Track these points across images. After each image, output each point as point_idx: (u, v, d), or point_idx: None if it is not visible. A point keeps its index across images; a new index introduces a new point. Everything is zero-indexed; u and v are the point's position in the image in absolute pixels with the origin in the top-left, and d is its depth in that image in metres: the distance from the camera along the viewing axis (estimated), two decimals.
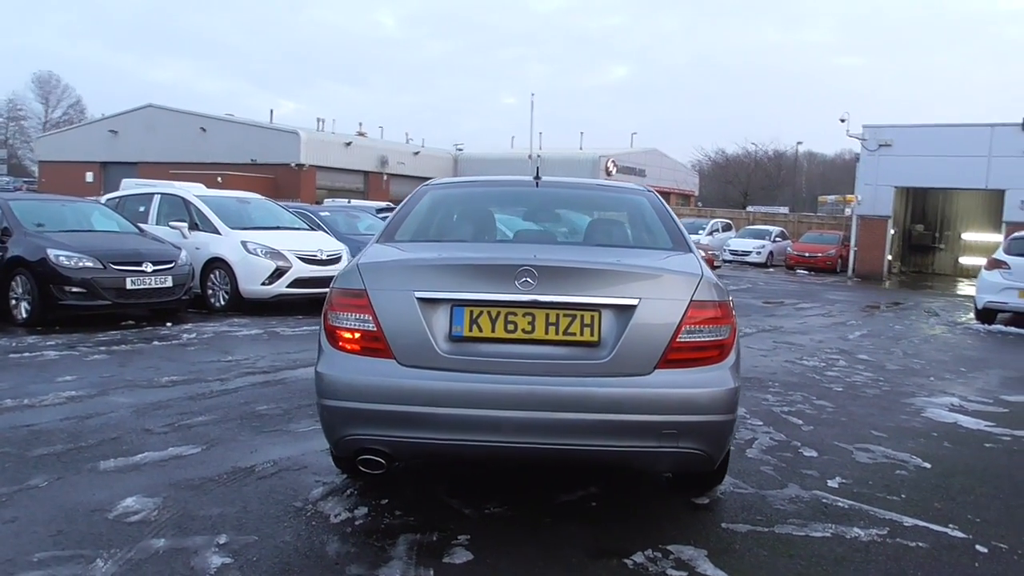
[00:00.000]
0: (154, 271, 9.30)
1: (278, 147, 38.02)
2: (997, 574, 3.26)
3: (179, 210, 11.48)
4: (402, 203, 4.26)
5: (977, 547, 3.51)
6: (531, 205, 4.45)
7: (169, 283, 9.44)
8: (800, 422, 5.63)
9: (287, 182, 36.67)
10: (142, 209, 11.83)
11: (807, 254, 26.95)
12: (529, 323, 3.20)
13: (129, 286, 9.07)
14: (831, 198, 54.06)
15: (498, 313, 3.21)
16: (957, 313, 15.17)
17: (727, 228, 33.67)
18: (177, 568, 3.04)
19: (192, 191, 12.25)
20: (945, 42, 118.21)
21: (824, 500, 4.04)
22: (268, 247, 10.78)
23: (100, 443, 4.58)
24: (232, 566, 3.07)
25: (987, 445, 5.29)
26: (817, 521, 3.74)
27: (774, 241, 29.89)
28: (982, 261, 26.57)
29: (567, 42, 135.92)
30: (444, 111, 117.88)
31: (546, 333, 3.19)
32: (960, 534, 3.65)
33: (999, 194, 23.52)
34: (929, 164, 23.63)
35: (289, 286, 10.75)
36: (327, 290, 11.17)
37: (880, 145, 24.33)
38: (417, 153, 45.35)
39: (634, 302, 3.20)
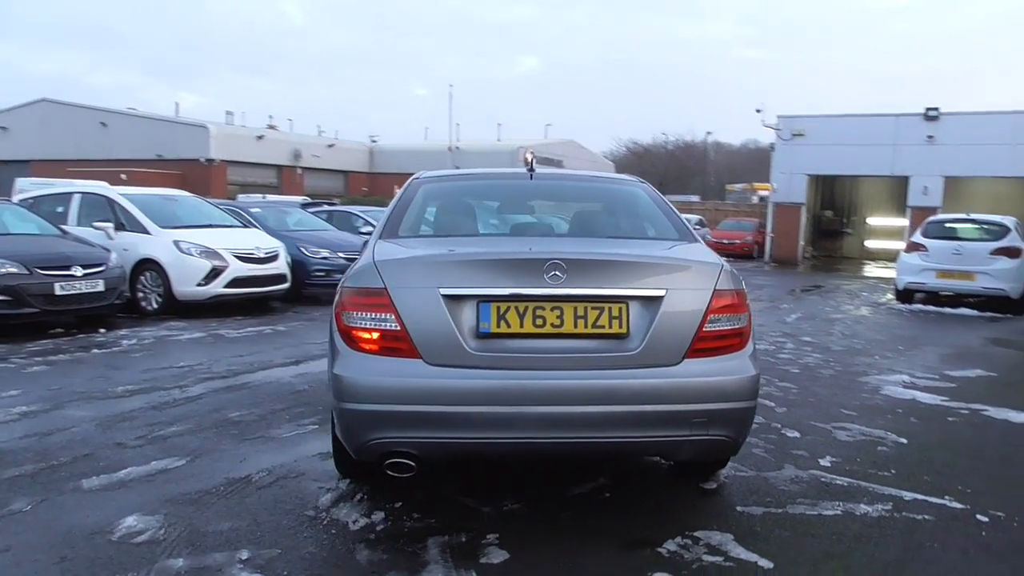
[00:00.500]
0: (84, 275, 8.79)
1: (186, 142, 36.58)
2: (1005, 541, 3.43)
3: (102, 210, 10.89)
4: (397, 198, 4.14)
5: (978, 516, 3.68)
6: (532, 198, 4.41)
7: (101, 287, 8.95)
8: (772, 404, 5.78)
9: (196, 178, 35.29)
10: (60, 210, 11.16)
11: (726, 241, 27.73)
12: (557, 317, 3.16)
13: (58, 292, 8.54)
14: (738, 186, 55.81)
15: (526, 308, 3.16)
16: (876, 294, 15.89)
17: None
18: None
19: (115, 189, 11.65)
20: (838, 36, 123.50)
21: (823, 479, 4.15)
22: (203, 246, 10.36)
23: (73, 460, 4.30)
24: None
25: (950, 419, 5.56)
26: (824, 499, 3.85)
27: (695, 229, 30.63)
28: (887, 245, 28.20)
29: (476, 33, 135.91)
30: (353, 103, 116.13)
31: (575, 327, 3.17)
32: (958, 505, 3.82)
33: (904, 180, 24.75)
34: (839, 152, 24.67)
35: (227, 286, 10.36)
36: (266, 289, 10.82)
37: (794, 135, 25.26)
38: (331, 146, 44.44)
39: (661, 293, 3.21)
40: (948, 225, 13.67)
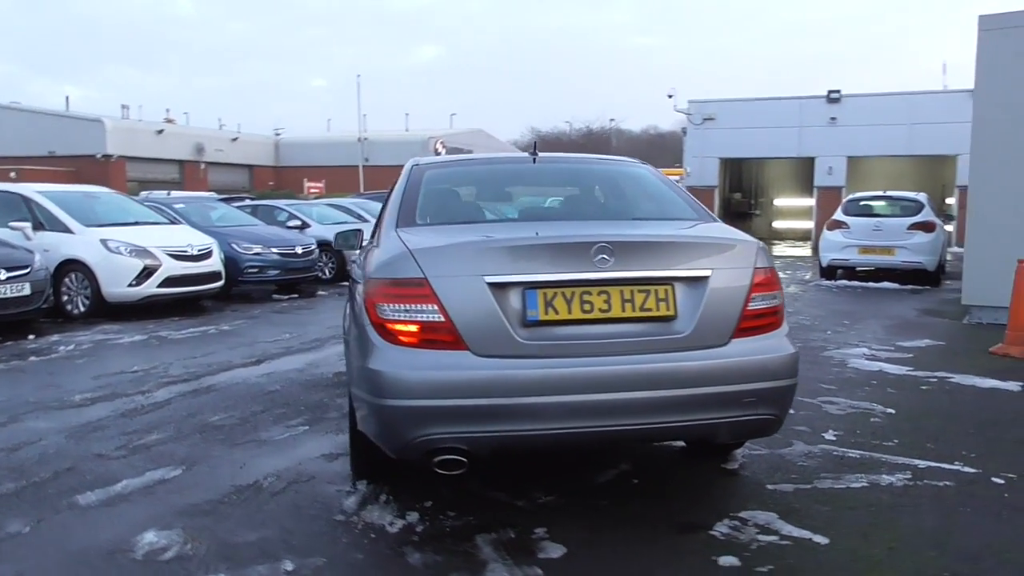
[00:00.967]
0: (8, 278, 8.17)
1: (79, 137, 34.63)
2: None
3: (17, 209, 10.14)
4: (401, 186, 3.95)
5: (993, 479, 3.81)
6: (545, 182, 4.29)
7: (27, 291, 8.34)
8: None
9: (92, 175, 33.35)
10: None
11: None
12: (605, 302, 3.08)
13: None
14: None
15: (573, 293, 3.07)
16: (799, 272, 16.46)
17: None
18: None
19: (31, 187, 10.88)
20: (733, 21, 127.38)
21: (835, 453, 4.23)
22: (133, 245, 9.80)
23: (56, 476, 3.97)
24: None
25: (923, 388, 5.77)
26: (845, 472, 3.91)
27: None
28: (794, 224, 29.27)
29: (372, 22, 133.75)
30: (251, 95, 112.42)
31: (622, 311, 3.09)
32: (970, 469, 3.96)
33: (809, 161, 25.74)
34: (749, 136, 25.42)
35: (160, 286, 9.84)
36: (201, 288, 10.42)
37: (705, 119, 25.88)
38: (235, 139, 42.91)
39: (707, 273, 3.17)
40: (867, 203, 14.27)
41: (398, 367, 3.02)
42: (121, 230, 10.12)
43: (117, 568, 2.95)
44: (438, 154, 49.06)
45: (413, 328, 3.06)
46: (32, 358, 7.10)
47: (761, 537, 3.17)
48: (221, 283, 10.70)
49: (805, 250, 23.94)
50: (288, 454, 4.29)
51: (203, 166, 39.96)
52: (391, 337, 3.09)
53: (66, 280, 9.66)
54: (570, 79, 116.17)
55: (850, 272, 14.08)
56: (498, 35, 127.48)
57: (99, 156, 34.38)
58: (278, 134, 48.35)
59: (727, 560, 2.96)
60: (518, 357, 3.01)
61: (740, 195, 32.41)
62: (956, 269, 15.88)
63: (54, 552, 3.09)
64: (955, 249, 17.39)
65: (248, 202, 16.62)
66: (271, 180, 43.36)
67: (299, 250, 12.33)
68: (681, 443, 4.22)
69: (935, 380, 5.97)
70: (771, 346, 3.26)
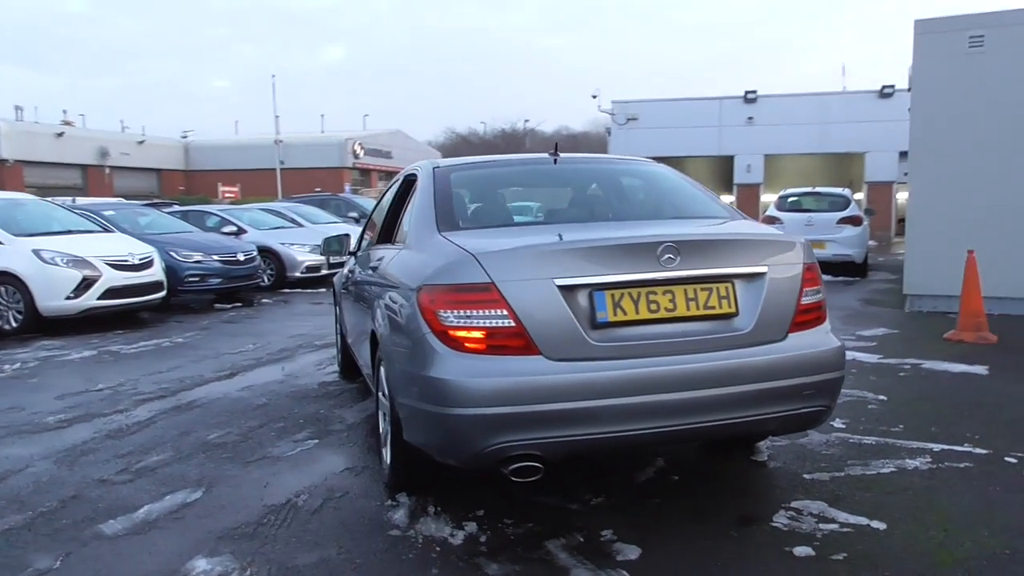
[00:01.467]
0: None
1: None
2: None
3: None
4: (426, 189, 3.83)
5: (1006, 459, 4.00)
6: (575, 183, 4.25)
7: None
8: None
9: None
10: None
11: None
12: (670, 301, 3.09)
13: None
14: None
15: (639, 294, 3.06)
16: None
17: None
18: None
19: None
20: (633, 25, 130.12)
21: (851, 440, 4.36)
22: (70, 255, 9.28)
23: (64, 505, 3.70)
24: None
25: (901, 375, 6.02)
26: (870, 459, 4.04)
27: None
28: None
29: (275, 22, 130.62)
30: (149, 96, 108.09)
31: (687, 309, 3.11)
32: (981, 450, 4.14)
33: (729, 160, 26.57)
34: (671, 135, 26.04)
35: (100, 298, 9.34)
36: (143, 299, 10.04)
37: (628, 119, 26.36)
38: (142, 142, 41.27)
39: (764, 269, 3.22)
40: (797, 199, 14.82)
41: (466, 375, 2.95)
42: (54, 239, 9.58)
43: None
44: (356, 157, 48.37)
45: (480, 334, 2.99)
46: None
47: (822, 526, 3.23)
48: (163, 293, 10.25)
49: None
50: (308, 470, 4.13)
51: (108, 171, 38.23)
52: (456, 344, 3.00)
53: None
54: (482, 80, 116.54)
55: None
56: (406, 36, 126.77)
57: None
58: (185, 137, 46.72)
59: (802, 550, 3.01)
60: (591, 360, 2.98)
61: None
62: (875, 261, 16.76)
63: None
64: (871, 243, 18.23)
65: (177, 208, 15.96)
66: (181, 185, 41.86)
67: (241, 257, 11.90)
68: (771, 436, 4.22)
69: (909, 367, 6.24)
70: (823, 339, 3.34)
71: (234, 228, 14.15)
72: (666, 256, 3.05)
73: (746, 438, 4.07)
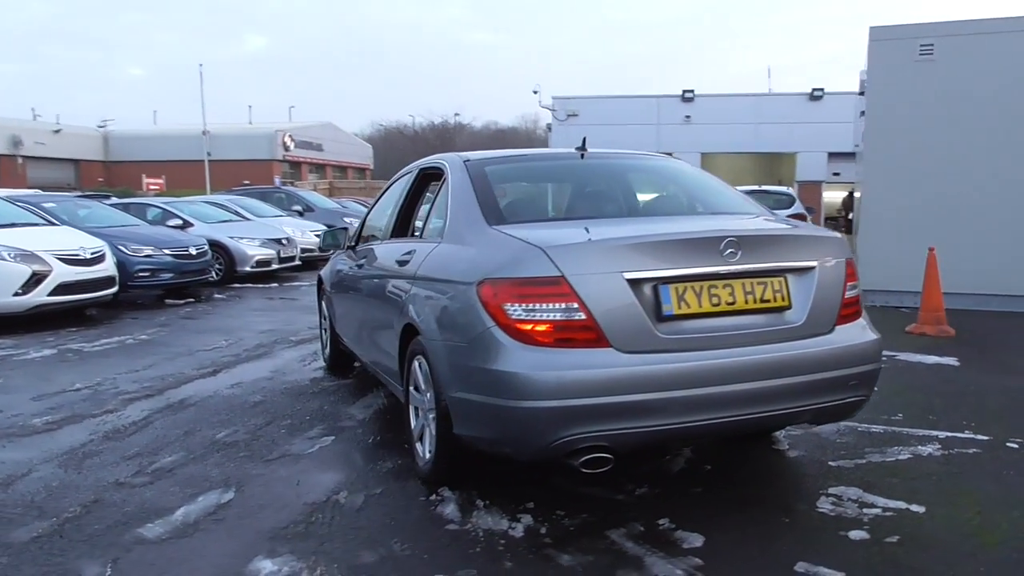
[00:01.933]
0: None
1: None
2: None
3: None
4: (462, 183, 3.81)
5: (1008, 444, 4.24)
6: (612, 178, 4.28)
7: None
8: None
9: None
10: None
11: None
12: (730, 294, 3.17)
13: None
14: None
15: (701, 287, 3.13)
16: None
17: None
18: None
19: None
20: (562, 23, 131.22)
21: (860, 429, 4.53)
22: (17, 249, 8.81)
23: (88, 511, 3.54)
24: None
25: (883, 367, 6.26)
26: (884, 446, 4.21)
27: None
28: None
29: (193, 9, 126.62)
30: (58, 83, 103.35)
31: (745, 302, 3.19)
32: (983, 436, 4.37)
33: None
34: (611, 132, 26.14)
35: (51, 294, 8.90)
36: (94, 295, 9.81)
37: (568, 115, 26.58)
38: (58, 131, 39.44)
39: (814, 264, 3.33)
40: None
41: (537, 368, 2.96)
42: (0, 232, 9.09)
43: None
44: (287, 149, 47.30)
45: (548, 327, 3.00)
46: None
47: (866, 511, 3.36)
48: (115, 289, 9.85)
49: None
50: (336, 465, 4.07)
51: (20, 160, 36.42)
52: (525, 337, 3.01)
53: None
54: (410, 74, 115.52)
55: None
56: (331, 27, 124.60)
57: None
58: (103, 126, 44.86)
59: (856, 534, 3.12)
60: (659, 352, 3.03)
61: None
62: None
63: None
64: None
65: (116, 200, 15.34)
66: (101, 176, 40.21)
67: (193, 251, 11.53)
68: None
69: (886, 359, 6.48)
70: (864, 332, 3.47)
71: (179, 221, 13.70)
72: (728, 251, 3.12)
73: (777, 428, 4.19)
